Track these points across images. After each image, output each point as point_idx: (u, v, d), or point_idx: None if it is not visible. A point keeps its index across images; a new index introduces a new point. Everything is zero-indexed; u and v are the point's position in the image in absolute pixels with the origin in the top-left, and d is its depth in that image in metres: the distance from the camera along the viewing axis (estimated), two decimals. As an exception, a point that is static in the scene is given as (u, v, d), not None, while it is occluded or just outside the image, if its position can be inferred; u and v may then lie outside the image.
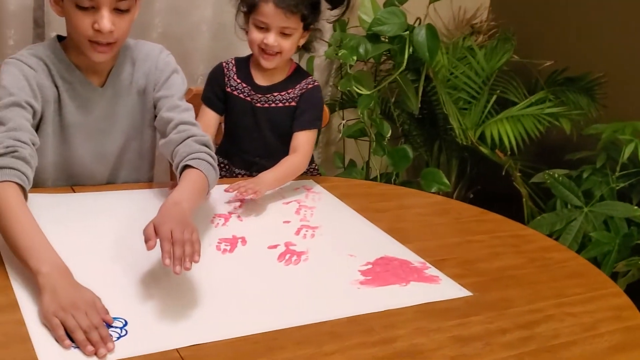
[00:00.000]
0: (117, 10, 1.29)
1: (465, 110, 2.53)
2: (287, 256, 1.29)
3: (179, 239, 1.04)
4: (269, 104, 1.66)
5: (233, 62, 1.70)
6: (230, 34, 2.20)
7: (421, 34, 2.11)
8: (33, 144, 1.28)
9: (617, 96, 2.50)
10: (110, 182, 1.52)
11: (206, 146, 1.38)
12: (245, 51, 2.23)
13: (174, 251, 1.03)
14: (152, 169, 1.60)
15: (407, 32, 2.15)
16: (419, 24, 2.24)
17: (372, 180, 2.37)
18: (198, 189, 1.29)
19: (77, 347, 0.94)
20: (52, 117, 1.38)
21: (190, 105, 1.48)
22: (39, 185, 1.40)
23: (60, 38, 1.41)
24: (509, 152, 2.38)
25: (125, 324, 1.00)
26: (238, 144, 1.69)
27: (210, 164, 1.35)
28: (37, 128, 1.37)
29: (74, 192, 1.45)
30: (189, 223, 1.10)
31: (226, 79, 1.66)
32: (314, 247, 1.34)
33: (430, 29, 2.13)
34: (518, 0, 2.84)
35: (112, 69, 1.43)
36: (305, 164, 1.63)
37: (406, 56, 2.15)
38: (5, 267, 1.11)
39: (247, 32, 1.63)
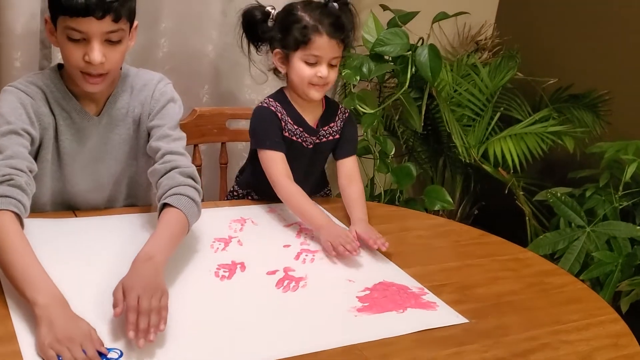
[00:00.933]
0: (109, 42, 1.29)
1: (469, 127, 2.53)
2: (286, 282, 1.30)
3: (145, 308, 1.04)
4: (316, 142, 1.66)
5: (278, 105, 1.61)
6: (236, 53, 2.24)
7: (424, 54, 2.12)
8: (30, 171, 1.29)
9: (622, 113, 2.50)
10: (107, 208, 1.53)
11: (191, 178, 1.36)
12: (250, 69, 2.27)
13: (139, 322, 1.02)
14: (148, 193, 1.61)
15: (410, 52, 2.16)
16: (422, 43, 2.25)
17: (376, 196, 2.38)
18: (175, 233, 1.26)
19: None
20: (50, 144, 1.40)
21: (182, 135, 1.46)
22: (37, 211, 1.42)
23: (60, 66, 1.42)
24: (511, 170, 2.38)
25: (121, 354, 1.02)
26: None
27: (192, 198, 1.32)
28: (37, 155, 1.39)
29: (76, 216, 1.47)
30: (158, 286, 1.09)
31: (283, 124, 1.60)
32: (313, 272, 1.36)
33: (433, 49, 2.14)
34: (523, 17, 2.84)
35: (109, 98, 1.44)
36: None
37: (409, 76, 2.17)
38: (5, 297, 1.13)
39: (282, 71, 1.59)
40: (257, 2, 1.62)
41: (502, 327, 1.25)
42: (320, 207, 1.54)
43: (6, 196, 1.20)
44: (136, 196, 1.57)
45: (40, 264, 1.12)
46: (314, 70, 1.53)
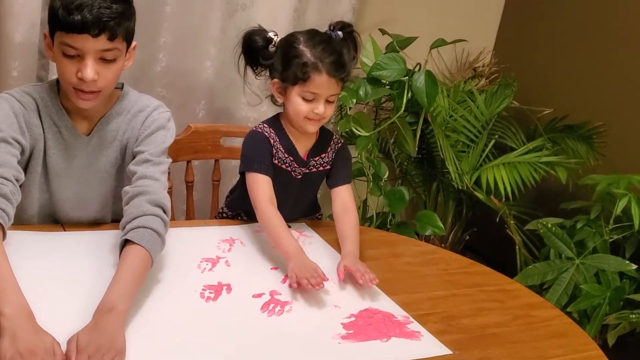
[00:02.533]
0: (103, 60, 1.29)
1: (463, 153, 2.54)
2: (271, 306, 1.30)
3: None
4: (305, 172, 1.65)
5: (272, 131, 1.60)
6: (234, 71, 2.25)
7: (420, 80, 2.13)
8: (17, 180, 1.29)
9: (616, 146, 2.51)
10: (94, 223, 1.51)
11: (159, 207, 1.32)
12: (240, 89, 2.28)
13: None
14: None
15: (407, 77, 2.17)
16: (420, 68, 2.26)
17: (368, 218, 2.38)
18: (138, 274, 1.21)
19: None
20: (40, 156, 1.40)
21: (164, 161, 1.43)
22: (25, 223, 1.42)
23: (58, 81, 1.42)
24: (504, 198, 2.39)
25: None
26: None
27: (155, 231, 1.27)
28: (27, 165, 1.39)
29: (64, 230, 1.47)
30: (113, 346, 1.06)
31: (274, 151, 1.59)
32: (299, 296, 1.35)
33: (430, 76, 2.15)
34: (522, 45, 2.86)
35: (102, 118, 1.43)
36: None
37: (404, 101, 2.18)
38: None
39: (279, 100, 1.58)
40: (259, 25, 1.60)
41: (486, 359, 1.25)
42: (294, 238, 1.50)
43: None
44: (120, 213, 1.54)
45: (12, 274, 1.12)
46: (311, 107, 1.52)
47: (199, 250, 1.47)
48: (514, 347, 1.31)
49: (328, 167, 1.67)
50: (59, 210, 1.47)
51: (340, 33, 1.55)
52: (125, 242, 1.25)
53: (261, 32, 1.57)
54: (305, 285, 1.33)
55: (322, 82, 1.49)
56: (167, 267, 1.36)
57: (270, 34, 1.57)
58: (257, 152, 1.58)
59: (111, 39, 1.27)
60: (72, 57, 1.28)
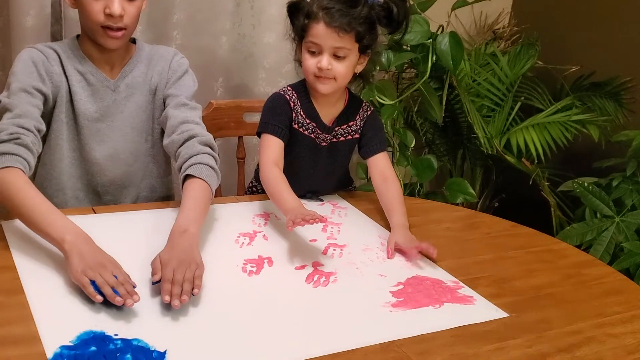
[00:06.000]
0: None
1: (488, 118, 2.47)
2: (316, 277, 1.25)
3: (179, 280, 1.09)
4: (332, 140, 1.59)
5: (294, 94, 1.54)
6: (250, 45, 2.19)
7: (444, 42, 2.06)
8: (38, 131, 1.32)
9: (646, 101, 2.44)
10: (124, 184, 1.51)
11: (208, 146, 1.40)
12: (264, 62, 2.21)
13: (172, 289, 1.07)
14: (167, 175, 1.60)
15: (430, 40, 2.10)
16: (442, 31, 2.19)
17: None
18: (203, 203, 1.31)
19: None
20: (63, 104, 1.42)
21: (198, 105, 1.49)
22: (53, 182, 1.45)
23: (77, 37, 1.46)
24: (535, 161, 2.32)
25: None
26: (290, 177, 1.48)
27: (212, 167, 1.36)
28: (52, 114, 1.41)
29: (95, 212, 1.42)
30: (193, 259, 1.14)
31: (294, 114, 1.53)
32: (342, 267, 1.30)
33: (454, 37, 2.08)
34: (540, 4, 2.78)
35: (125, 65, 1.46)
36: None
37: (429, 65, 2.11)
38: (26, 296, 1.08)
39: (300, 63, 1.51)
40: None
41: (544, 321, 1.19)
42: (296, 196, 1.41)
43: (12, 154, 1.23)
44: (152, 174, 1.56)
45: (60, 211, 1.19)
46: (316, 60, 1.46)
47: (235, 225, 1.42)
48: (571, 306, 1.26)
49: (357, 135, 1.61)
50: (90, 164, 1.46)
51: None
52: (185, 179, 1.34)
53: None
54: (299, 222, 1.26)
55: (320, 32, 1.42)
56: (204, 243, 1.31)
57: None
58: (273, 114, 1.53)
59: None
60: None
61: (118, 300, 1.04)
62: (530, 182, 2.35)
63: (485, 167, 2.61)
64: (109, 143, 1.47)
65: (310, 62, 1.46)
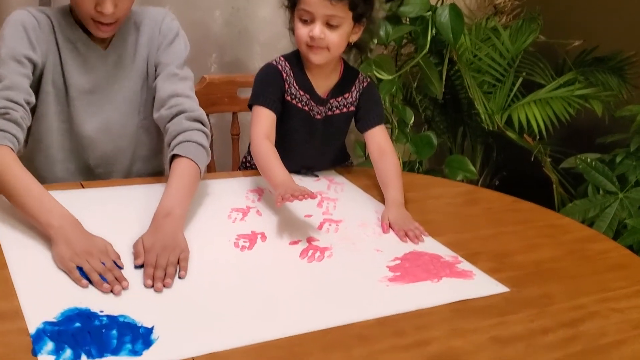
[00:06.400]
0: None
1: (489, 94, 2.42)
2: (310, 252, 1.21)
3: (162, 265, 1.05)
4: (327, 113, 1.54)
5: (287, 65, 1.49)
6: (244, 19, 2.14)
7: (444, 15, 2.01)
8: (28, 104, 1.27)
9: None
10: (116, 157, 1.47)
11: (198, 121, 1.34)
12: (259, 36, 2.16)
13: (155, 273, 1.04)
14: (161, 148, 1.55)
15: (430, 12, 2.05)
16: (441, 4, 2.14)
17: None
18: (189, 183, 1.26)
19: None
20: (52, 76, 1.37)
21: (189, 74, 1.44)
22: (44, 152, 1.40)
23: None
24: (537, 137, 2.27)
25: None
26: (284, 152, 1.44)
27: (199, 144, 1.31)
28: (39, 84, 1.36)
29: (83, 187, 1.38)
30: (178, 244, 1.11)
31: (287, 86, 1.48)
32: (338, 242, 1.27)
33: (454, 9, 2.02)
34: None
35: (116, 34, 1.40)
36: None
37: (429, 38, 2.06)
38: (9, 271, 1.05)
39: (293, 32, 1.46)
40: None
41: (546, 295, 1.15)
42: (285, 170, 1.36)
43: (2, 130, 1.19)
44: (146, 147, 1.51)
45: (43, 188, 1.15)
46: (308, 29, 1.40)
47: (228, 201, 1.38)
48: (573, 281, 1.22)
49: (353, 108, 1.56)
50: (81, 137, 1.42)
51: None
52: (173, 158, 1.29)
53: None
54: (288, 198, 1.22)
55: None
56: (196, 219, 1.28)
57: None
58: (265, 85, 1.48)
59: None
60: None
61: (105, 287, 1.01)
62: (532, 159, 2.31)
63: (486, 144, 2.56)
64: (100, 116, 1.42)
65: (302, 31, 1.42)
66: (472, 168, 2.13)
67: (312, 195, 1.23)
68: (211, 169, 1.86)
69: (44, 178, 1.38)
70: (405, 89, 2.44)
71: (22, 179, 1.15)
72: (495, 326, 1.05)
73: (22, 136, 1.23)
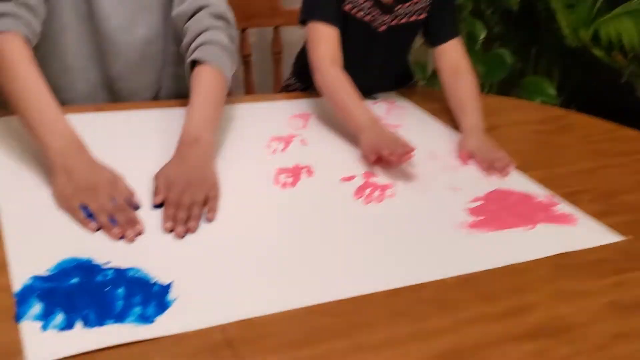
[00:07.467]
0: None
1: (571, 8, 2.13)
2: (367, 191, 0.99)
3: (186, 203, 0.89)
4: (392, 23, 1.28)
5: None
6: None
7: None
8: None
9: None
10: (141, 68, 1.25)
11: (222, 19, 1.15)
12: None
13: (177, 215, 0.87)
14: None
15: None
16: None
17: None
18: (216, 99, 1.07)
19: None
20: None
21: None
22: (60, 64, 1.19)
23: None
24: (630, 55, 1.98)
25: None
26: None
27: (224, 46, 1.12)
28: None
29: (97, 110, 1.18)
30: (206, 179, 0.94)
31: None
32: (401, 178, 1.04)
33: None
34: None
35: None
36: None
37: None
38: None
39: None
40: None
41: (673, 245, 0.91)
42: (368, 107, 1.17)
43: (11, 15, 0.99)
44: (176, 60, 1.27)
45: (53, 99, 0.96)
46: None
47: (267, 128, 1.17)
48: None
49: (423, 15, 1.29)
50: (103, 37, 1.19)
51: None
52: (193, 65, 1.11)
53: None
54: (388, 155, 1.01)
55: None
56: (228, 149, 1.08)
57: None
58: None
59: None
60: None
61: (115, 232, 0.83)
62: (623, 82, 2.02)
63: (564, 65, 2.28)
64: (124, 8, 1.19)
65: None
66: (552, 91, 1.86)
67: (411, 149, 1.03)
68: (249, 92, 1.64)
69: (60, 88, 1.16)
70: (472, 1, 2.16)
71: (24, 82, 0.97)
72: (613, 288, 0.82)
73: (37, 24, 1.04)
